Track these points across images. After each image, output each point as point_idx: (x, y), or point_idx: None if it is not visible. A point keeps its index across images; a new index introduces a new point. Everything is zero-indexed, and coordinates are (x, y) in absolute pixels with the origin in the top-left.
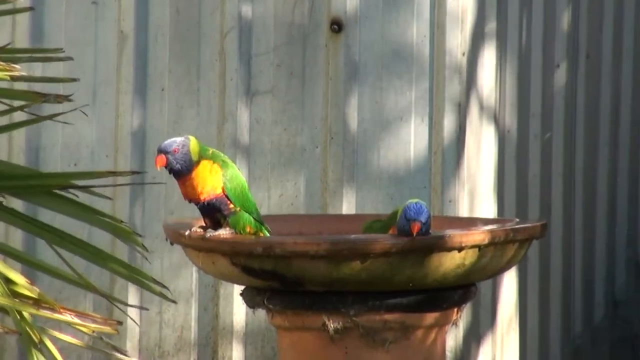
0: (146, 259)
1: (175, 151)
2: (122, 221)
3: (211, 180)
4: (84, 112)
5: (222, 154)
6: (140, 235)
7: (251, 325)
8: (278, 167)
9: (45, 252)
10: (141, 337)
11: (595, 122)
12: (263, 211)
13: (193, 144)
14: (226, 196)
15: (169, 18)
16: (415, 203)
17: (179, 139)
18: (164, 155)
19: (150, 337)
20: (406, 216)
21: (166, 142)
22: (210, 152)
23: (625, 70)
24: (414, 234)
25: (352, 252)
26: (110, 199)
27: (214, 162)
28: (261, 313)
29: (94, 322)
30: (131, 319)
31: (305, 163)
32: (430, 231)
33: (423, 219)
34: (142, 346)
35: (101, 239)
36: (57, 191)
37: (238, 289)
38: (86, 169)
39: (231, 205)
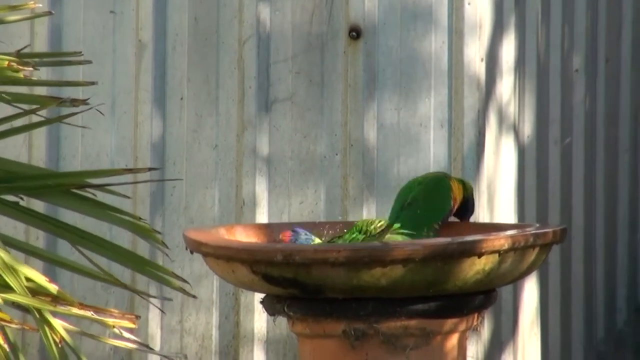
0: (167, 255)
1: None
2: (140, 218)
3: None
4: (99, 112)
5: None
6: (159, 232)
7: (272, 333)
8: (298, 175)
9: (67, 253)
10: (162, 346)
11: (616, 127)
12: (284, 219)
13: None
14: None
15: (187, 27)
16: None
17: None
18: None
19: (171, 346)
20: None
21: None
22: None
23: None
24: None
25: (372, 259)
26: (128, 197)
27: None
28: (282, 321)
29: (112, 317)
30: (157, 307)
31: (325, 170)
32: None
33: None
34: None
35: (122, 240)
36: (75, 190)
37: (258, 297)
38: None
39: None
